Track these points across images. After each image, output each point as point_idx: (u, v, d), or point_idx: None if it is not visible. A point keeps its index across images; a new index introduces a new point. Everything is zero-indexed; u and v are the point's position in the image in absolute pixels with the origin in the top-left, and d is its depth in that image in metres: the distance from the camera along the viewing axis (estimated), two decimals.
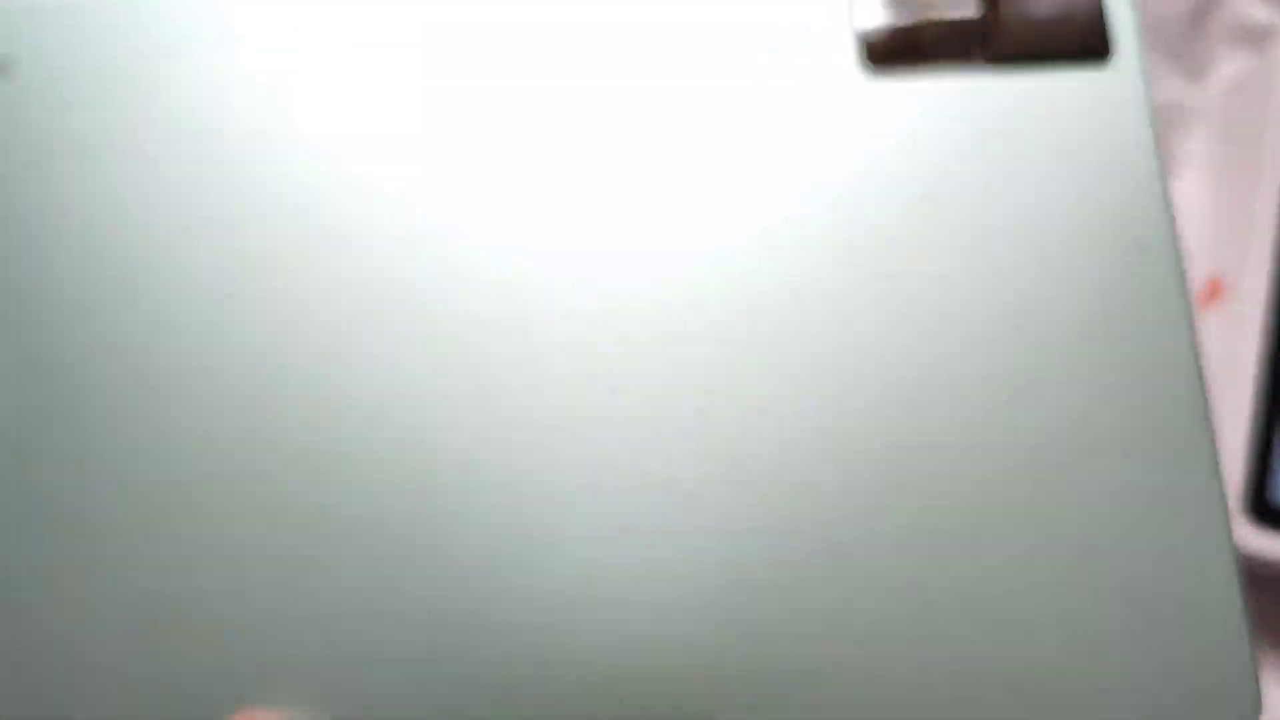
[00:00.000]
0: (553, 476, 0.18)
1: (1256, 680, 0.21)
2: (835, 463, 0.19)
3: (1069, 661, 0.19)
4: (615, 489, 0.18)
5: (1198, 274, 0.38)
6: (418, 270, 0.19)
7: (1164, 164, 0.22)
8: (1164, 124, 0.40)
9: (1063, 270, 0.20)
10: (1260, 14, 0.40)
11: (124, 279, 0.18)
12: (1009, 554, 0.19)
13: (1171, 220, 0.21)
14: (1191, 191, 0.39)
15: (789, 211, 0.20)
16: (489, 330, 0.18)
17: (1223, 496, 0.20)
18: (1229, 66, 0.40)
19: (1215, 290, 0.37)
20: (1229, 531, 0.20)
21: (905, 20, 0.21)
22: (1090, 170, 0.21)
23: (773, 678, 0.17)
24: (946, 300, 0.20)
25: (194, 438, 0.18)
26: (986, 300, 0.20)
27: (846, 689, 0.18)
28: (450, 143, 0.20)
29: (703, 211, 0.20)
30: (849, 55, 0.21)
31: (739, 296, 0.19)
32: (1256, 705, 0.21)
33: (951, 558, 0.18)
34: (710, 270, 0.19)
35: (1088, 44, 0.21)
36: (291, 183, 0.19)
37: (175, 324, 0.18)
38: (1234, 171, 0.38)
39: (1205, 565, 0.20)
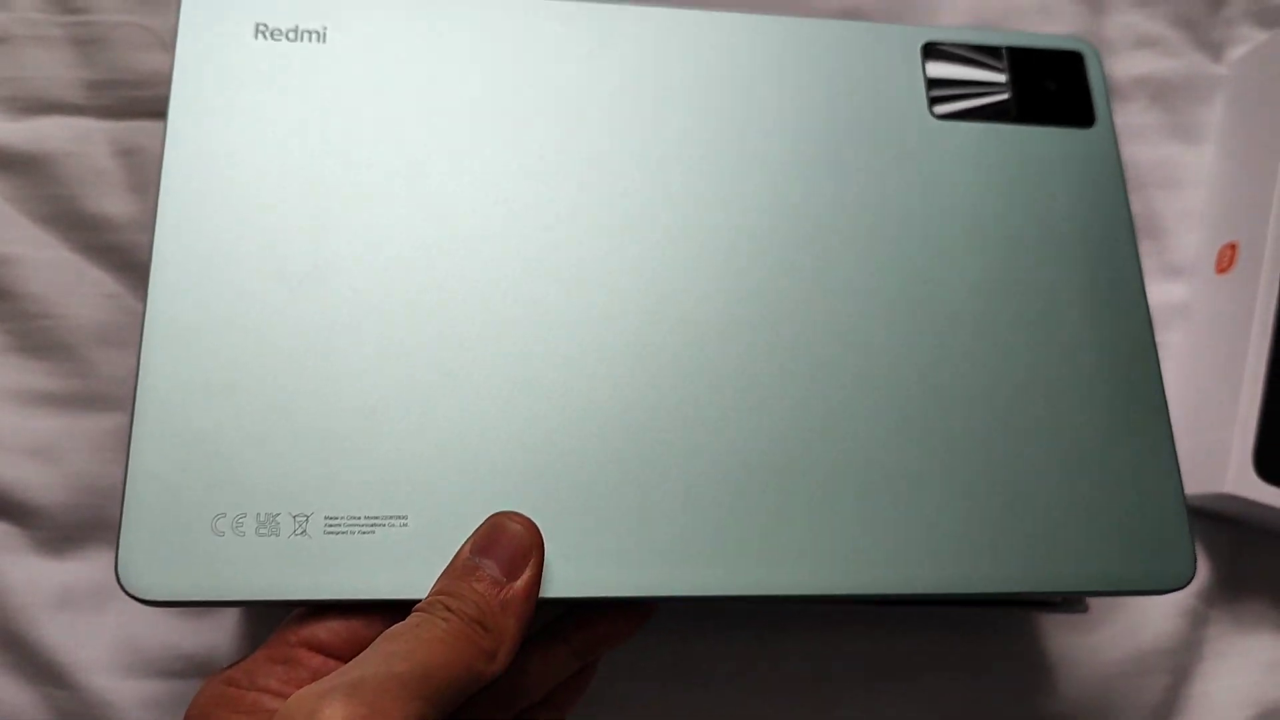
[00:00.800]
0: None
1: (1193, 548, 0.28)
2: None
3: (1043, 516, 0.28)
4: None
5: (1214, 241, 0.39)
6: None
7: (1128, 185, 0.32)
8: (1185, 97, 0.41)
9: (1056, 253, 0.31)
10: None
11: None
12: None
13: (1131, 228, 0.32)
14: (1210, 163, 0.40)
15: (870, 185, 0.31)
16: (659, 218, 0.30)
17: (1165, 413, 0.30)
18: (1247, 47, 0.41)
19: (1230, 256, 0.38)
20: (1168, 424, 0.30)
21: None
22: (1078, 189, 0.32)
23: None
24: (968, 261, 0.31)
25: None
26: (997, 265, 0.31)
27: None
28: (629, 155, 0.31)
29: (804, 194, 0.31)
30: (921, 102, 0.32)
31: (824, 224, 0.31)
32: (1191, 568, 0.28)
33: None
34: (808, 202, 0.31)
35: (1080, 115, 0.33)
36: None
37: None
38: (1250, 144, 0.39)
39: (1149, 451, 0.29)
